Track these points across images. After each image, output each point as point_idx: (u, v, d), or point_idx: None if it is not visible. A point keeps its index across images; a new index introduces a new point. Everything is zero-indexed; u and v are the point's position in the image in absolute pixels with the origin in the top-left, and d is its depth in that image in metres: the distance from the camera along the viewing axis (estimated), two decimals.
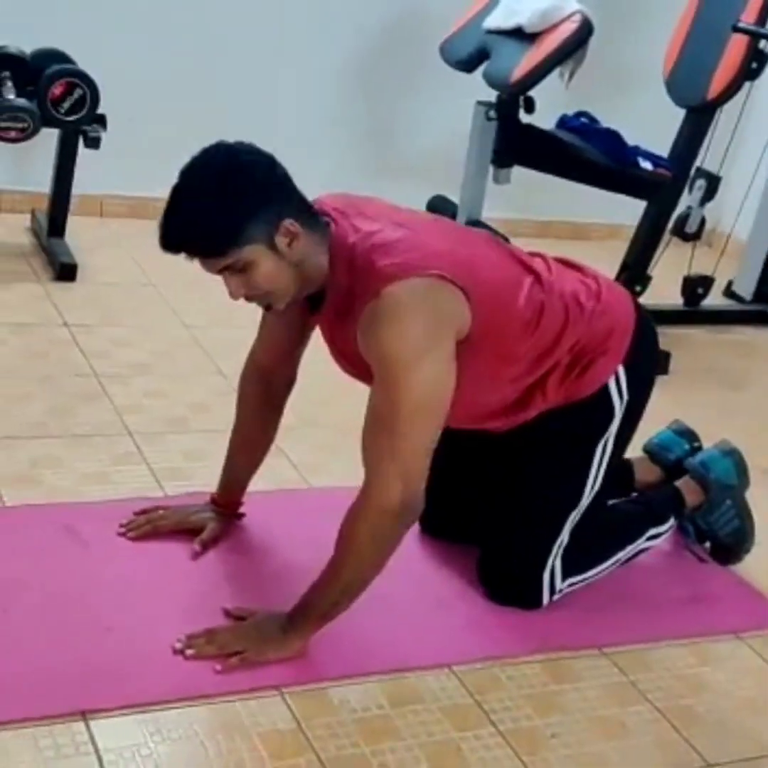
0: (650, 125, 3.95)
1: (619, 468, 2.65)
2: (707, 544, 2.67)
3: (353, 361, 2.08)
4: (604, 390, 2.24)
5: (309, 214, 2.00)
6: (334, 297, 2.04)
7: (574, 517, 2.30)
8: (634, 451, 2.73)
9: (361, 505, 1.99)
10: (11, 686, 1.91)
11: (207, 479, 2.48)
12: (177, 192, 1.95)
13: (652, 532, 2.50)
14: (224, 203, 1.91)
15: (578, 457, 2.29)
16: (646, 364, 2.35)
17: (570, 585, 2.36)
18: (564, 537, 2.31)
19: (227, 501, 2.41)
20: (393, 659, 2.15)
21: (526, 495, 2.32)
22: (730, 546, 2.63)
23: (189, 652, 2.01)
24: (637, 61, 4.56)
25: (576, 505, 2.29)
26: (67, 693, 1.92)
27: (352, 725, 1.97)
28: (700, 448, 2.72)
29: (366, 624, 2.23)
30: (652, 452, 2.73)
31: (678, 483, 2.62)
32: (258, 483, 2.54)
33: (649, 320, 2.35)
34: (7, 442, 2.64)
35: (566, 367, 2.21)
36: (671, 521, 2.55)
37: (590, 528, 2.37)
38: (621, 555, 2.44)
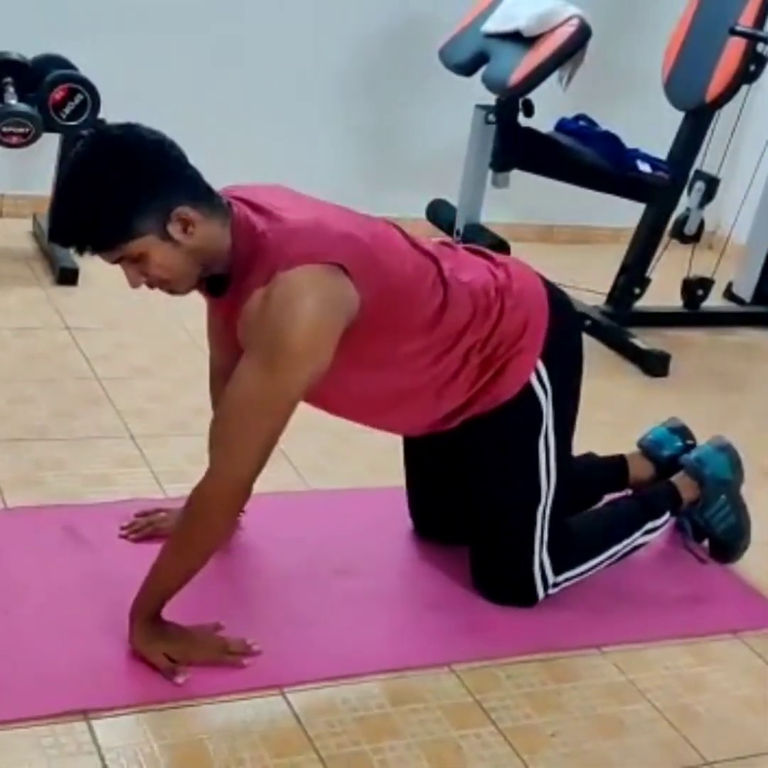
0: (649, 128, 3.97)
1: (614, 466, 2.67)
2: (706, 543, 2.68)
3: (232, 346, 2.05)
4: (528, 388, 2.22)
5: (208, 199, 1.96)
6: (237, 282, 2.00)
7: (544, 510, 2.30)
8: (628, 447, 2.75)
9: (222, 484, 1.97)
10: (14, 686, 1.93)
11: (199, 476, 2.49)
12: (62, 186, 1.93)
13: (649, 526, 2.51)
14: (110, 197, 1.87)
15: (522, 456, 2.28)
16: (567, 348, 2.31)
17: (566, 579, 2.37)
18: (542, 532, 2.30)
19: None
20: (393, 658, 2.17)
21: (486, 498, 2.33)
22: (728, 542, 2.64)
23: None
24: (636, 64, 4.57)
25: (538, 500, 2.29)
26: (69, 693, 1.93)
27: (352, 724, 1.99)
28: (693, 446, 2.73)
29: (367, 623, 2.25)
30: (645, 448, 2.73)
31: (673, 478, 2.63)
32: (258, 485, 2.54)
33: (563, 299, 2.33)
34: (9, 445, 2.66)
35: (479, 366, 2.18)
36: (667, 515, 2.56)
37: (581, 523, 2.40)
38: (617, 549, 2.44)
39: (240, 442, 1.95)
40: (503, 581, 2.35)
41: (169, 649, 2.01)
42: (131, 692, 1.96)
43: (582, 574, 2.40)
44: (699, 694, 2.23)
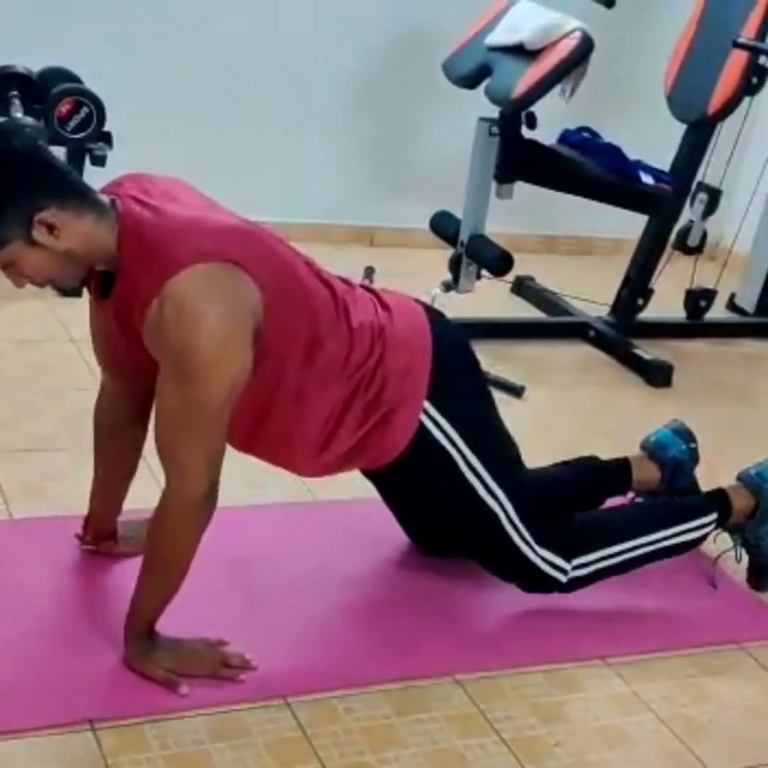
0: (652, 140, 3.98)
1: (616, 467, 2.65)
2: (740, 558, 2.64)
3: (132, 349, 2.01)
4: (421, 435, 2.18)
5: (80, 199, 1.90)
6: (123, 283, 1.95)
7: (510, 519, 2.27)
8: (632, 449, 2.74)
9: (178, 502, 1.95)
10: (20, 695, 1.94)
11: None
12: None
13: (692, 524, 2.48)
14: None
15: (452, 493, 2.26)
16: (455, 374, 2.25)
17: (585, 564, 2.36)
18: (521, 535, 2.29)
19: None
20: (398, 669, 2.17)
21: (448, 528, 2.36)
22: None
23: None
24: (639, 76, 4.59)
25: (496, 516, 2.27)
26: (75, 702, 1.94)
27: (357, 733, 1.99)
28: (696, 449, 2.70)
29: (372, 634, 2.26)
30: (650, 450, 2.70)
31: (726, 487, 2.60)
32: (266, 497, 2.56)
33: (446, 329, 2.27)
34: (14, 455, 2.67)
35: (363, 412, 2.12)
36: (714, 516, 2.52)
37: (595, 515, 2.44)
38: (648, 540, 2.43)
39: (182, 458, 1.93)
40: (516, 578, 2.36)
41: (164, 662, 2.02)
42: (137, 702, 1.97)
43: (604, 559, 2.38)
44: (703, 705, 2.24)
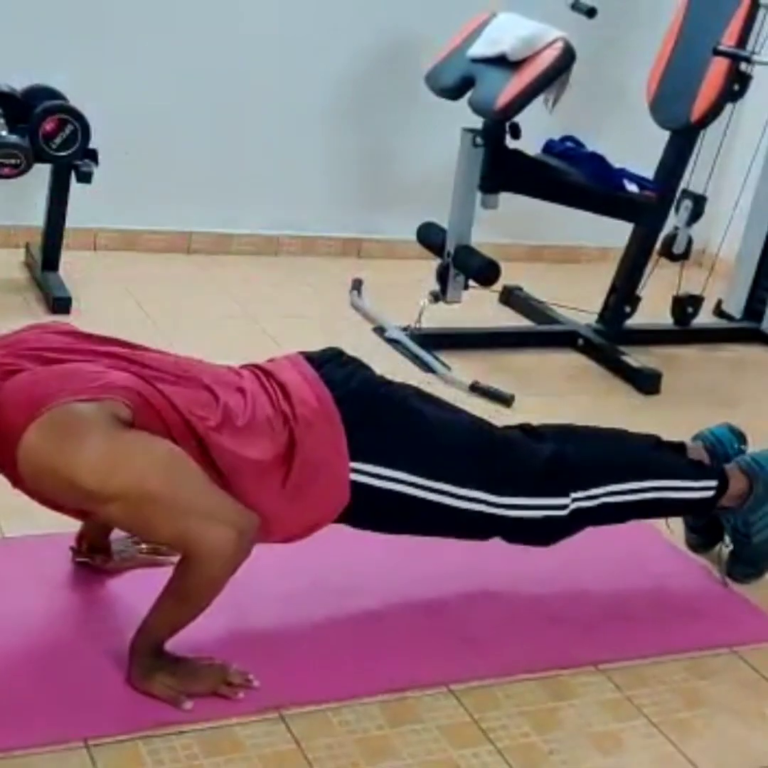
0: (636, 148, 4.01)
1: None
2: (726, 549, 2.65)
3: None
4: (359, 489, 2.14)
5: None
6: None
7: (493, 503, 2.26)
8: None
9: (209, 563, 1.94)
10: (14, 713, 1.93)
11: None
12: None
13: (689, 483, 2.48)
14: None
15: (424, 516, 2.24)
16: (369, 422, 2.19)
17: (585, 497, 2.35)
18: (512, 506, 2.27)
19: None
20: (392, 679, 2.17)
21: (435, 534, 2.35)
22: (758, 557, 2.61)
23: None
24: (621, 85, 4.62)
25: (476, 513, 2.25)
26: (69, 720, 1.94)
27: (351, 745, 1.99)
28: (745, 452, 2.68)
29: (365, 645, 2.26)
30: (704, 440, 2.68)
31: (726, 466, 2.59)
32: None
33: (340, 379, 2.22)
34: None
35: (288, 500, 2.06)
36: (713, 484, 2.51)
37: (597, 452, 2.44)
38: (645, 486, 2.42)
39: (185, 535, 1.92)
40: (520, 538, 2.37)
41: (167, 680, 2.02)
42: (131, 718, 1.96)
43: (609, 494, 2.38)
44: (697, 710, 2.24)
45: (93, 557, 2.36)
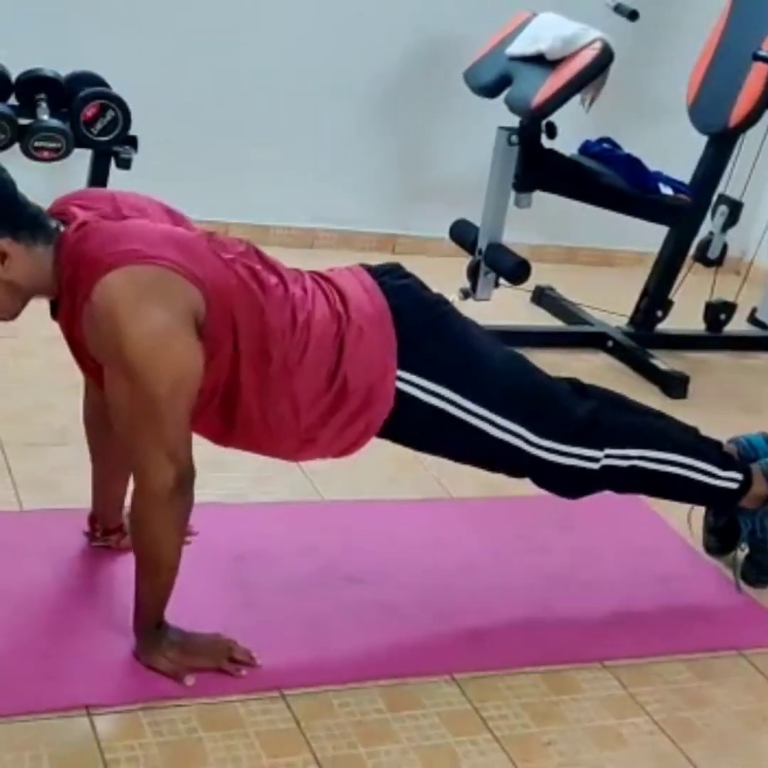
0: (673, 152, 3.99)
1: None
2: (741, 553, 2.64)
3: (90, 363, 2.03)
4: (403, 399, 2.17)
5: (34, 231, 1.94)
6: (63, 306, 1.99)
7: (530, 441, 2.28)
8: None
9: (144, 498, 1.98)
10: (22, 680, 1.98)
11: (222, 488, 2.54)
12: None
13: (714, 469, 2.48)
14: None
15: (462, 439, 2.26)
16: (423, 336, 2.21)
17: (617, 456, 2.36)
18: (548, 448, 2.29)
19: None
20: (395, 665, 2.20)
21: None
22: None
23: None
24: (661, 88, 4.60)
25: (513, 447, 2.27)
26: (72, 688, 1.98)
27: (350, 727, 2.01)
28: None
29: (370, 631, 2.28)
30: (738, 445, 2.67)
31: (751, 465, 2.59)
32: (275, 495, 2.59)
33: (399, 291, 2.23)
34: (27, 449, 2.72)
35: (332, 400, 2.12)
36: (737, 477, 2.51)
37: (636, 421, 2.46)
38: (677, 459, 2.43)
39: (139, 452, 1.95)
40: (550, 485, 2.39)
41: (170, 654, 2.05)
42: (133, 689, 2.00)
43: (642, 459, 2.39)
44: (699, 709, 2.24)
45: (108, 539, 2.40)
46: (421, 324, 2.22)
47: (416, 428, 2.24)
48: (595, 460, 2.34)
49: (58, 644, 2.08)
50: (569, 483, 2.38)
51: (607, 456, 2.35)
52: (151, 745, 1.89)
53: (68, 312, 1.98)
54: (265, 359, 2.04)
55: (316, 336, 2.10)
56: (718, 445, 2.59)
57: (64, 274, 1.96)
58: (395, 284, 2.25)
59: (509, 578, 2.54)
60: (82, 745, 1.86)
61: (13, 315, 2.03)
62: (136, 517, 2.03)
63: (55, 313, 2.05)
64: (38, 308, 2.09)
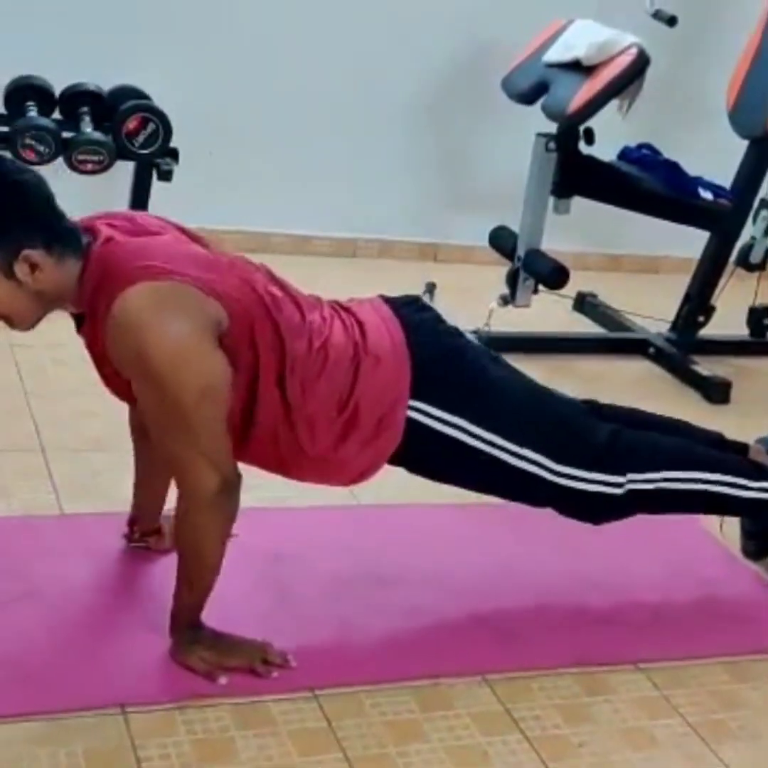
0: (714, 157, 3.98)
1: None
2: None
3: (113, 377, 2.06)
4: (414, 428, 2.18)
5: (65, 244, 1.96)
6: (88, 320, 2.01)
7: (549, 469, 2.27)
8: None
9: (188, 506, 2.00)
10: (58, 678, 2.01)
11: (261, 491, 2.57)
12: None
13: (743, 481, 2.47)
14: None
15: (479, 469, 2.27)
16: (438, 368, 2.23)
17: (640, 480, 2.35)
18: (568, 476, 2.28)
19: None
20: (427, 666, 2.20)
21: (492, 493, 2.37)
22: None
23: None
24: (701, 93, 4.58)
25: (532, 475, 2.27)
26: (108, 686, 2.01)
27: (380, 727, 2.03)
28: None
29: (404, 632, 2.29)
30: (766, 445, 2.65)
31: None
32: (310, 500, 2.61)
33: (417, 325, 2.24)
34: (69, 454, 2.77)
35: (343, 425, 2.13)
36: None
37: (660, 441, 2.43)
38: (702, 477, 2.42)
39: (179, 459, 1.98)
40: (574, 512, 2.37)
41: (204, 654, 2.08)
42: (167, 688, 2.03)
43: (667, 480, 2.37)
44: (733, 711, 2.23)
45: (146, 540, 2.44)
46: (436, 356, 2.24)
47: (432, 458, 2.25)
48: (619, 485, 2.33)
49: (95, 644, 2.12)
50: (594, 509, 2.36)
51: (631, 481, 2.34)
52: (184, 743, 1.91)
53: (91, 326, 2.00)
54: (283, 380, 2.06)
55: (332, 360, 2.11)
56: (743, 450, 2.58)
57: (89, 288, 1.98)
58: (415, 318, 2.28)
59: (543, 579, 2.54)
60: (117, 742, 1.90)
61: (31, 326, 2.05)
62: (180, 520, 2.05)
63: (79, 328, 2.08)
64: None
